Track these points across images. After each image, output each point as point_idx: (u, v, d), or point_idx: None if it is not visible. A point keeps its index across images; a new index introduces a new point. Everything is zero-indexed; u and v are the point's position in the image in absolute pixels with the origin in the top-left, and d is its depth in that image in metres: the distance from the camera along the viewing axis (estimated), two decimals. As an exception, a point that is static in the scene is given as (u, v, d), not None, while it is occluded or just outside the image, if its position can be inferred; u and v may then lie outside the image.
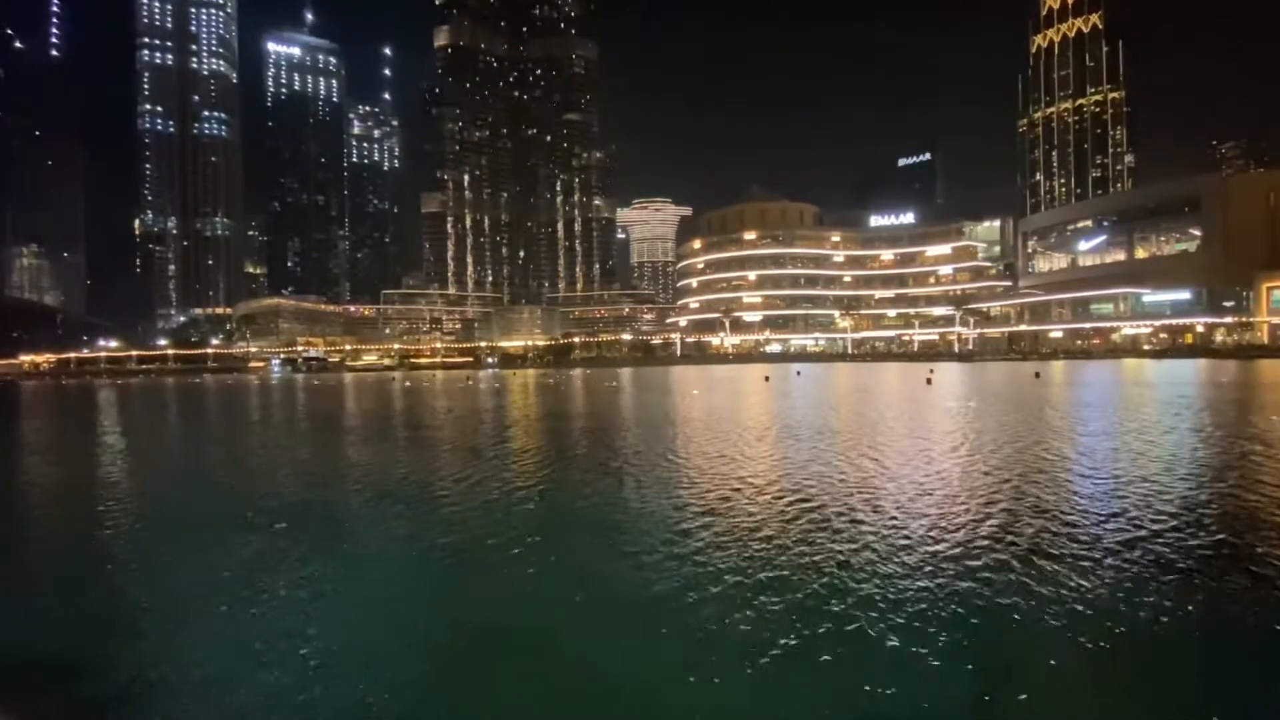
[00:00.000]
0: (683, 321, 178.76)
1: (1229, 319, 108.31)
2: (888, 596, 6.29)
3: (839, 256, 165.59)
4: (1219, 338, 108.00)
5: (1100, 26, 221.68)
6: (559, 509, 10.48)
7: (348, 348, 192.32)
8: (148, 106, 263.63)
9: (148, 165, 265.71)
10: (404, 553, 8.54)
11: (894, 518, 9.19)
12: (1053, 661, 5.19)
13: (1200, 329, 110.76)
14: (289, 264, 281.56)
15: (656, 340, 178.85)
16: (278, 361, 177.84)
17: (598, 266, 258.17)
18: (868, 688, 4.73)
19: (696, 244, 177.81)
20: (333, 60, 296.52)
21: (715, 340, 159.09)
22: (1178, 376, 45.38)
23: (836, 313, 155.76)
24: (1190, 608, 5.99)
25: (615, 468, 13.96)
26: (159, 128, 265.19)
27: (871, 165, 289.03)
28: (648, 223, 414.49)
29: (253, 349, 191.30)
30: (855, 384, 47.02)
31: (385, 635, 5.92)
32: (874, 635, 5.50)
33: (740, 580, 6.81)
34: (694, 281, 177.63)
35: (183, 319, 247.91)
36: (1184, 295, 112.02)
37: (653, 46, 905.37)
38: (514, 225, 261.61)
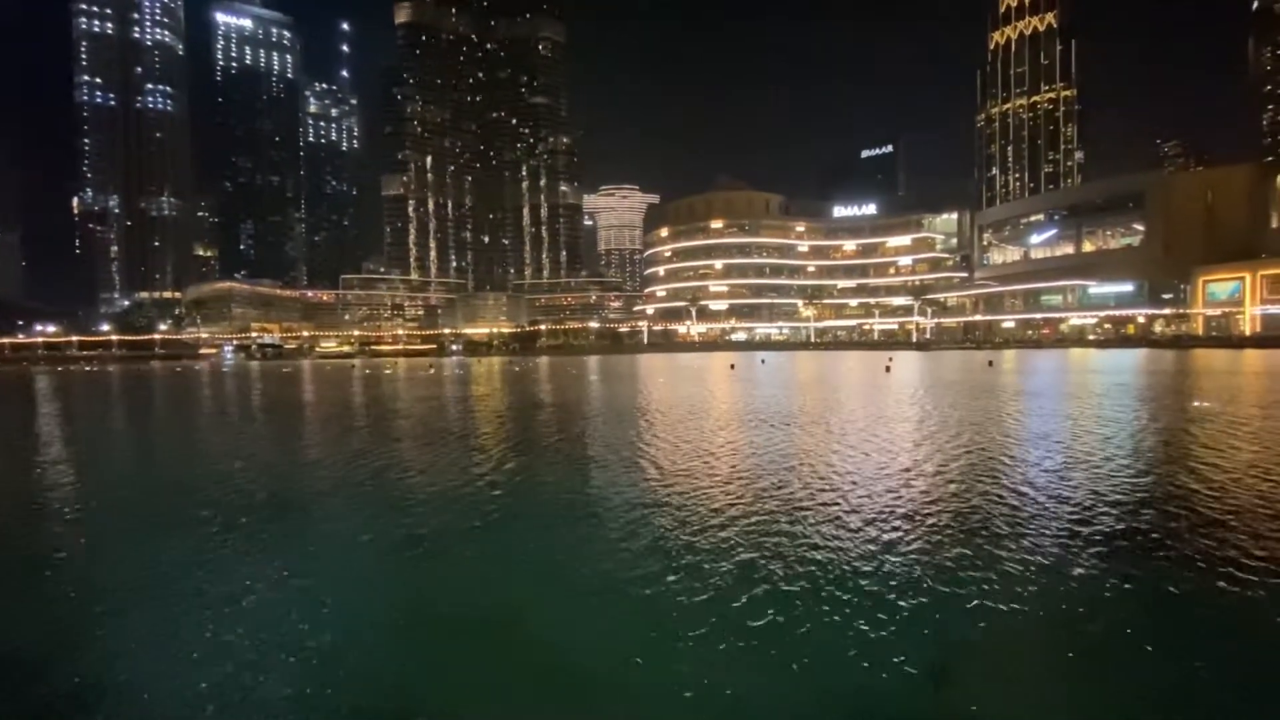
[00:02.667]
0: (650, 309, 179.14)
1: (1167, 311, 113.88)
2: (853, 575, 6.56)
3: (803, 246, 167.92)
4: (1158, 328, 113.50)
5: (1054, 25, 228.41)
6: (525, 497, 10.42)
7: (305, 334, 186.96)
8: (86, 78, 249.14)
9: (87, 140, 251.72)
10: (363, 544, 8.29)
11: (858, 499, 9.57)
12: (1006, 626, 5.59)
13: (1141, 320, 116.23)
14: (242, 247, 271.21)
15: (624, 328, 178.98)
16: (230, 348, 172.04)
17: (564, 253, 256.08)
18: (834, 664, 4.91)
19: (664, 232, 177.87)
20: (287, 34, 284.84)
21: (682, 328, 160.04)
22: (1118, 365, 47.71)
23: (800, 302, 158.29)
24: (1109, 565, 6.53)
25: (582, 455, 14.12)
26: (99, 100, 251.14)
27: (836, 156, 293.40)
28: (615, 210, 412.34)
29: (203, 335, 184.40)
30: (818, 372, 48.04)
31: (347, 626, 5.80)
32: (839, 613, 5.72)
33: (708, 563, 6.95)
34: (661, 270, 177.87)
35: (127, 303, 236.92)
36: (1127, 288, 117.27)
37: (621, 33, 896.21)
38: (478, 210, 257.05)
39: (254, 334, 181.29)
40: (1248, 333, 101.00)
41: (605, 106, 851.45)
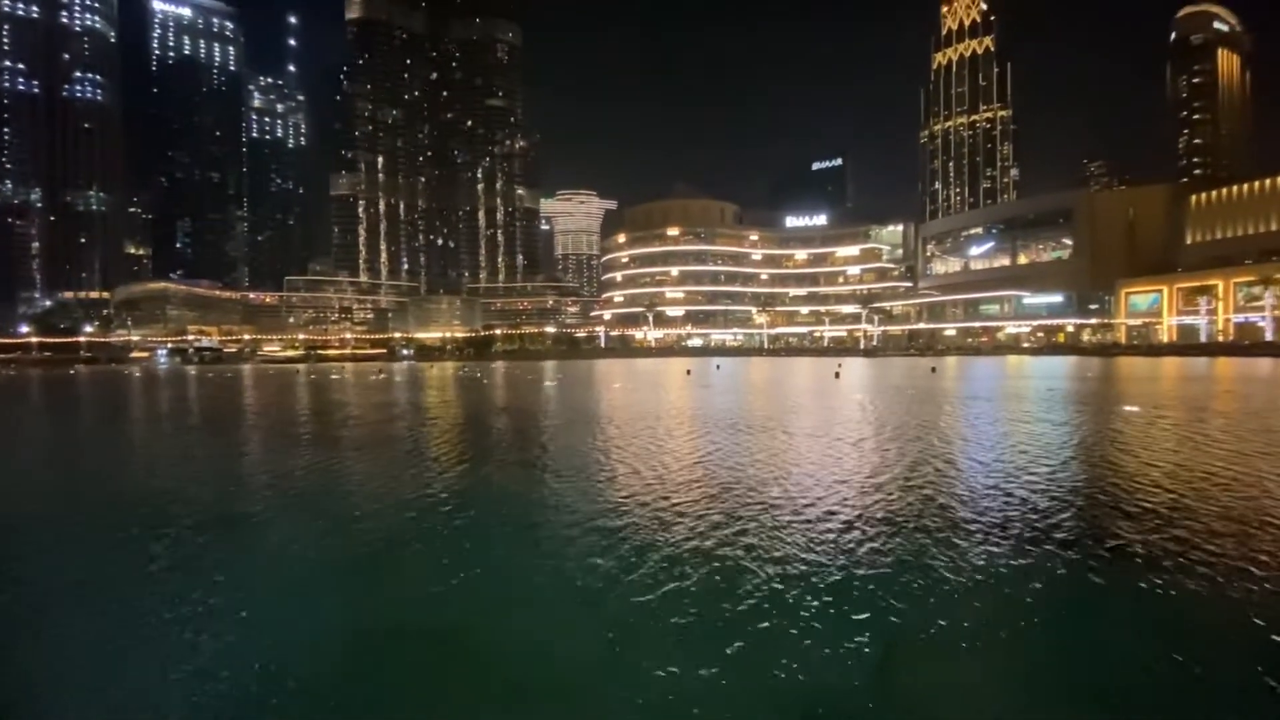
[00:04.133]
0: (607, 315, 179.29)
1: (1094, 320, 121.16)
2: (803, 578, 6.73)
3: (757, 255, 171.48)
4: (1086, 337, 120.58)
5: (991, 49, 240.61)
6: (480, 507, 10.09)
7: (246, 337, 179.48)
8: (8, 64, 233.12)
9: (7, 129, 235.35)
10: (307, 558, 7.83)
11: (809, 504, 9.95)
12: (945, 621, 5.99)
13: (1071, 329, 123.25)
14: (178, 245, 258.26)
15: (581, 333, 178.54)
16: (164, 352, 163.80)
17: (521, 257, 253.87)
18: (785, 668, 4.93)
19: (621, 238, 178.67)
20: (229, 25, 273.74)
21: (639, 334, 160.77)
22: (1051, 371, 50.55)
23: (754, 309, 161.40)
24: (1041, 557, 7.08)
25: (539, 463, 14.17)
26: (21, 87, 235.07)
27: (788, 166, 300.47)
28: (572, 215, 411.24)
29: (135, 337, 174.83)
30: (771, 378, 49.15)
31: (292, 645, 5.55)
32: (790, 614, 5.83)
33: (661, 571, 6.92)
34: (618, 275, 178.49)
35: (49, 303, 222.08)
36: (1057, 298, 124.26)
37: (579, 41, 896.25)
38: (431, 211, 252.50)
39: (191, 337, 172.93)
40: (1165, 341, 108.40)
41: (563, 112, 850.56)
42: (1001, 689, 4.88)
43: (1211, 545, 7.50)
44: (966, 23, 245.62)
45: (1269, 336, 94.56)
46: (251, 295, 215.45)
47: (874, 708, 4.56)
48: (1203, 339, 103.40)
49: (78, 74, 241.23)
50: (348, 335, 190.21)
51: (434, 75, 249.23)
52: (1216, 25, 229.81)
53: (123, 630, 5.82)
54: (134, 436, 21.02)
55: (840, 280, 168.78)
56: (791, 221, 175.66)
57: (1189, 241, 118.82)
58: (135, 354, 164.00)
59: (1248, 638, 5.36)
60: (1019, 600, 6.20)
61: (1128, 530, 8.16)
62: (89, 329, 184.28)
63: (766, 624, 5.65)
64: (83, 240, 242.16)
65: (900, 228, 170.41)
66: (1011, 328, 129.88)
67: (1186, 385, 35.22)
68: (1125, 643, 5.45)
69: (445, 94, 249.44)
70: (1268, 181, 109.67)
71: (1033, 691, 4.83)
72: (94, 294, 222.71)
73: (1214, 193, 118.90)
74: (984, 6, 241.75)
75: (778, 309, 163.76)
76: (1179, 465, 12.10)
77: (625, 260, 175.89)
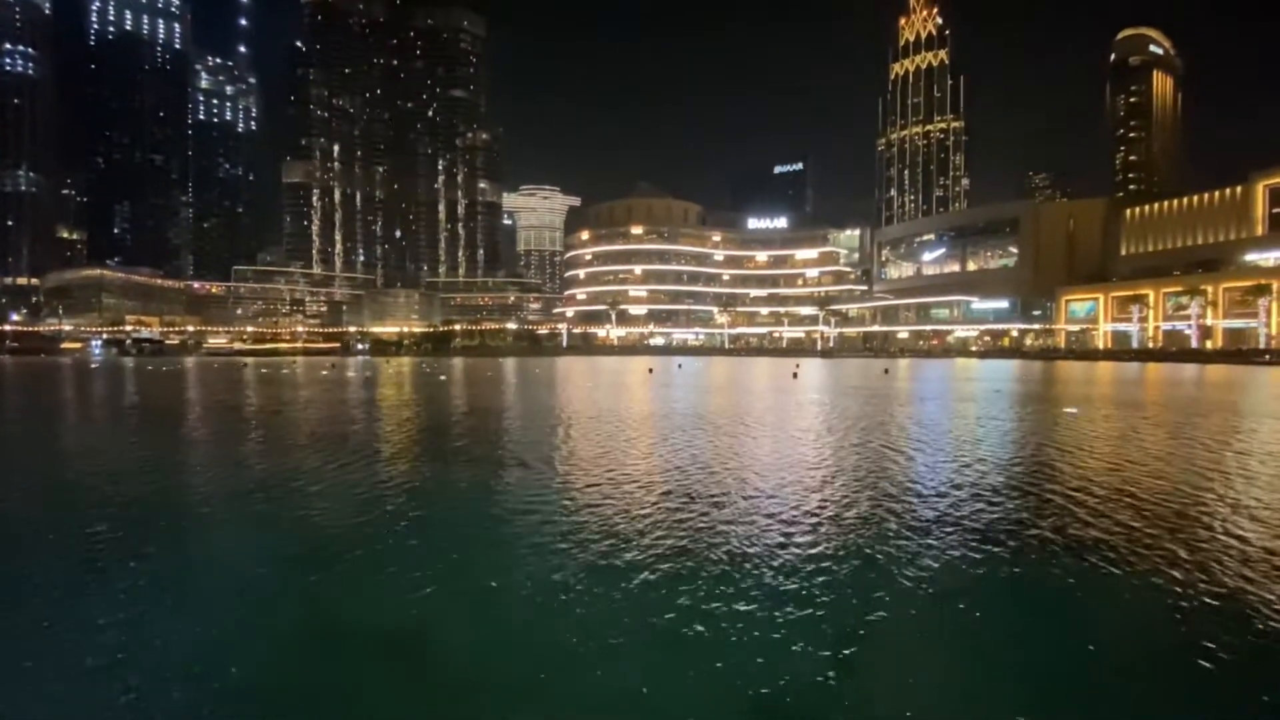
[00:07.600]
0: (570, 312, 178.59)
1: (1036, 326, 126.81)
2: (764, 576, 6.87)
3: (719, 256, 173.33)
4: (1029, 341, 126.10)
5: (946, 62, 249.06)
6: (437, 508, 9.80)
7: (190, 329, 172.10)
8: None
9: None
10: (256, 558, 7.47)
11: (767, 501, 10.29)
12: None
13: (1015, 333, 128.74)
14: (116, 231, 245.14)
15: (543, 330, 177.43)
16: (99, 343, 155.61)
17: (482, 252, 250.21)
18: (744, 664, 4.99)
19: (585, 235, 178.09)
20: (175, 1, 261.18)
21: (602, 332, 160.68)
22: (995, 374, 52.83)
23: (715, 309, 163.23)
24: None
25: (499, 462, 14.21)
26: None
27: (751, 169, 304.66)
28: (535, 210, 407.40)
29: (67, 327, 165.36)
30: (731, 377, 49.94)
31: (240, 646, 5.36)
32: (750, 610, 5.94)
33: (622, 569, 6.95)
34: (581, 273, 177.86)
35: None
36: (1003, 304, 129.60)
37: (544, 35, 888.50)
38: (390, 203, 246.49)
39: (129, 327, 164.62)
40: (1101, 347, 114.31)
41: (527, 107, 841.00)
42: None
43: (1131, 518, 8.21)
44: (923, 35, 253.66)
45: (1194, 344, 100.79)
46: (196, 285, 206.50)
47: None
48: (1134, 345, 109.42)
49: (7, 46, 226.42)
50: (299, 328, 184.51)
51: (394, 62, 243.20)
52: (1152, 48, 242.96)
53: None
54: (80, 433, 20.12)
55: (799, 282, 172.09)
56: (753, 223, 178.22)
57: (1123, 253, 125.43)
58: (67, 344, 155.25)
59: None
60: (988, 572, 6.71)
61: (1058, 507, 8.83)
62: (15, 317, 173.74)
63: (730, 622, 5.79)
64: (10, 222, 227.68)
65: (857, 232, 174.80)
66: (960, 331, 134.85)
67: (1118, 388, 37.43)
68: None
69: (405, 82, 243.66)
70: (1195, 198, 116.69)
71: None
72: (21, 280, 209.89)
73: (1146, 207, 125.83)
74: (939, 21, 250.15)
75: (739, 309, 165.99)
76: (1103, 458, 13.03)
77: (588, 258, 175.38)
